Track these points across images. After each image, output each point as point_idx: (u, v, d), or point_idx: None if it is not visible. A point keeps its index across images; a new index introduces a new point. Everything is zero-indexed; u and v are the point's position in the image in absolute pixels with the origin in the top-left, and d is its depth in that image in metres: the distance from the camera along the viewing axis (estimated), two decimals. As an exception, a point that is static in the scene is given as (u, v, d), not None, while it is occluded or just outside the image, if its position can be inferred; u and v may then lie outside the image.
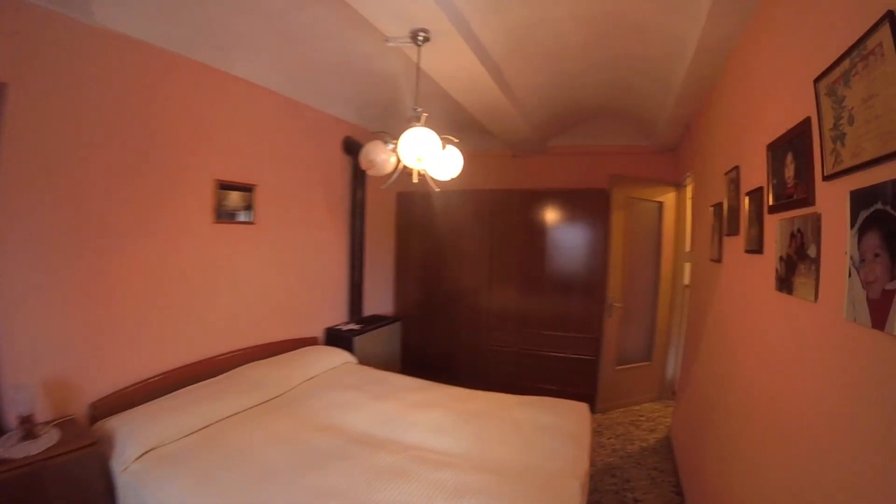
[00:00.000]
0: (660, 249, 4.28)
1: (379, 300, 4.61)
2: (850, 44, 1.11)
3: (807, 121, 1.36)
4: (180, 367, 2.57)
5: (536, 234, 4.30)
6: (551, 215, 4.27)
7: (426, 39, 2.21)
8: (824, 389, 1.20)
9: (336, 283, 3.98)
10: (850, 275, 1.12)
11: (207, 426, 2.22)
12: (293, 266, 3.43)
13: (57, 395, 2.01)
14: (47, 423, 1.89)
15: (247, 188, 2.98)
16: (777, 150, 1.62)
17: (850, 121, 1.16)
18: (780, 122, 1.58)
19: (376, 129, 2.48)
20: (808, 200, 1.37)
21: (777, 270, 1.58)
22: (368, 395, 2.70)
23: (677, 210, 4.29)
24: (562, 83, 3.40)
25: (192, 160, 2.62)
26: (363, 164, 2.32)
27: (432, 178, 2.36)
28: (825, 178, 1.25)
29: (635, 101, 3.64)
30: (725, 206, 2.34)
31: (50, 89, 1.95)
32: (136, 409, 2.20)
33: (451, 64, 2.55)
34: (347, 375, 3.05)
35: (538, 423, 2.37)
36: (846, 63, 1.15)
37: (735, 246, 2.14)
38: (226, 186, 2.83)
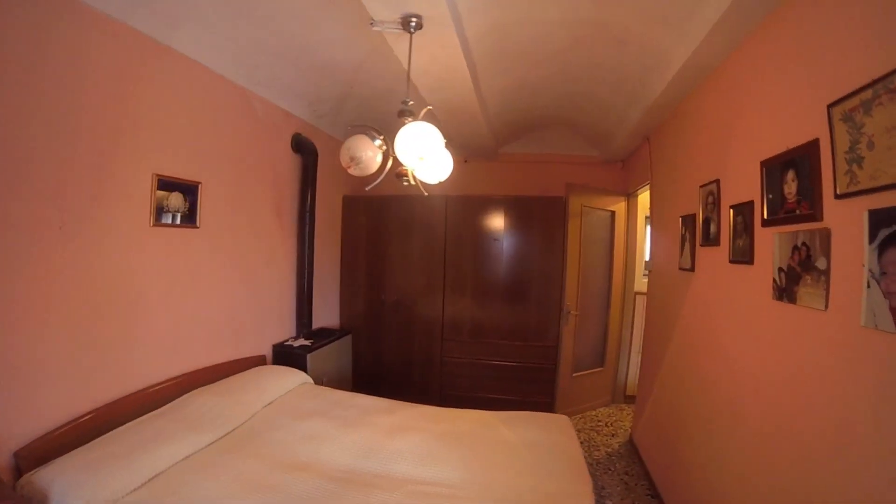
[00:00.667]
0: (612, 257, 4.59)
1: (325, 312, 4.38)
2: (873, 77, 1.29)
3: (815, 142, 1.56)
4: (117, 400, 2.22)
5: (491, 241, 4.37)
6: (506, 222, 4.36)
7: (419, 26, 2.12)
8: (835, 388, 1.40)
9: (283, 295, 3.73)
10: (868, 286, 1.32)
11: (160, 474, 1.92)
12: (239, 276, 3.16)
13: None
14: None
15: (190, 186, 2.67)
16: (774, 166, 1.81)
17: (870, 146, 1.34)
18: (778, 141, 1.76)
19: (356, 124, 2.33)
20: (815, 216, 1.56)
21: (775, 280, 1.78)
22: (337, 423, 2.54)
23: (628, 219, 4.66)
24: (527, 88, 3.50)
25: (127, 149, 2.27)
26: (344, 162, 2.17)
27: (421, 182, 2.26)
28: (837, 197, 1.44)
29: (595, 111, 3.86)
30: (700, 218, 2.56)
31: None
32: (70, 455, 1.87)
33: (432, 57, 2.47)
34: (307, 399, 2.87)
35: (526, 441, 2.36)
36: (868, 93, 1.33)
37: (714, 256, 2.37)
38: (167, 183, 2.51)
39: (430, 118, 2.07)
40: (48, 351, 1.94)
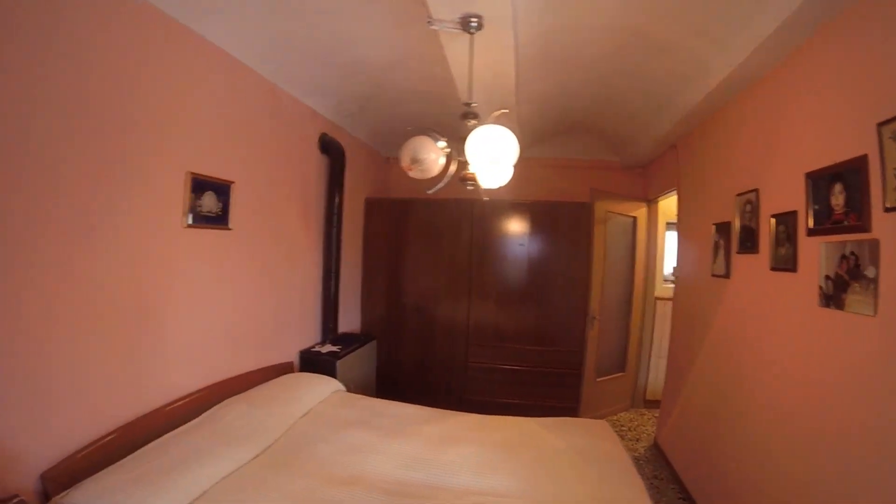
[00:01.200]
0: (633, 263, 4.66)
1: (347, 316, 4.31)
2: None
3: (863, 157, 1.67)
4: (146, 415, 2.09)
5: (516, 245, 4.37)
6: (530, 226, 4.37)
7: (479, 27, 2.09)
8: (884, 388, 1.50)
9: (310, 299, 3.66)
10: (918, 292, 1.47)
11: (203, 495, 1.79)
12: (268, 279, 3.07)
13: None
14: None
15: (223, 186, 2.57)
16: (820, 178, 1.89)
17: (921, 165, 1.50)
18: (823, 153, 1.87)
19: (410, 127, 2.36)
20: (864, 227, 1.66)
21: (821, 288, 1.87)
22: (380, 433, 2.48)
23: (648, 225, 4.74)
24: (562, 94, 3.53)
25: (159, 145, 2.15)
26: (405, 164, 2.13)
27: (481, 186, 2.21)
28: (886, 210, 1.58)
29: (622, 118, 3.96)
30: (737, 225, 2.68)
31: None
32: (102, 476, 1.72)
33: (481, 59, 2.40)
34: (343, 408, 2.82)
35: (576, 448, 2.35)
36: (921, 115, 1.49)
37: (753, 263, 2.46)
38: (200, 182, 2.40)
39: (502, 121, 1.99)
40: (73, 364, 1.79)
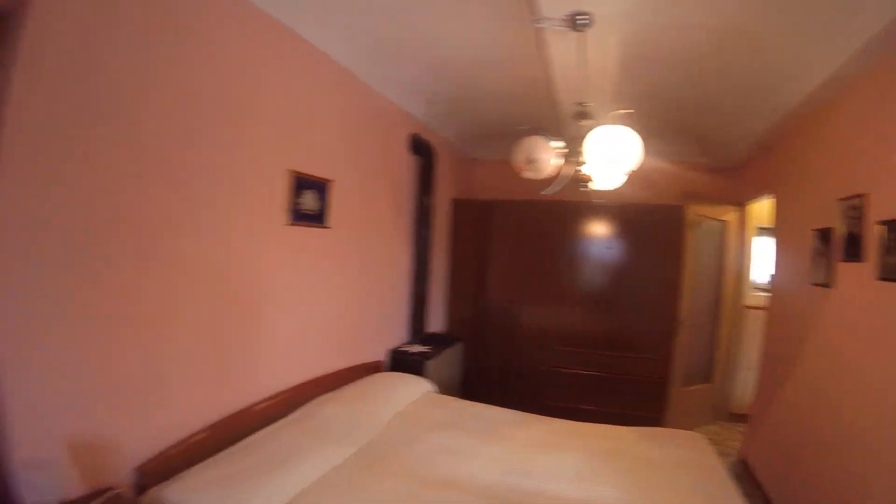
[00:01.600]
0: (722, 269, 4.41)
1: (433, 317, 4.30)
2: None
3: None
4: (241, 410, 2.11)
5: (602, 248, 4.24)
6: (617, 229, 4.22)
7: (588, 24, 2.03)
8: None
9: (400, 299, 3.68)
10: None
11: (301, 493, 1.78)
12: (362, 278, 3.11)
13: (89, 462, 1.49)
14: (82, 499, 1.38)
15: (322, 184, 2.62)
16: None
17: None
18: None
19: (524, 127, 2.23)
20: None
21: None
22: (473, 435, 2.44)
23: (739, 230, 4.48)
24: (654, 94, 3.39)
25: (262, 143, 2.19)
26: (520, 164, 2.12)
27: (594, 187, 2.19)
28: None
29: (715, 118, 3.80)
30: (840, 232, 2.53)
31: (72, 23, 1.40)
32: (200, 470, 1.74)
33: (583, 57, 2.32)
34: (435, 408, 2.81)
35: (673, 460, 2.28)
36: None
37: (858, 272, 2.31)
38: (302, 180, 2.44)
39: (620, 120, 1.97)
40: (173, 360, 1.81)
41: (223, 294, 2.05)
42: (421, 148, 3.78)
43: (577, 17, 2.02)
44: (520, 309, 4.48)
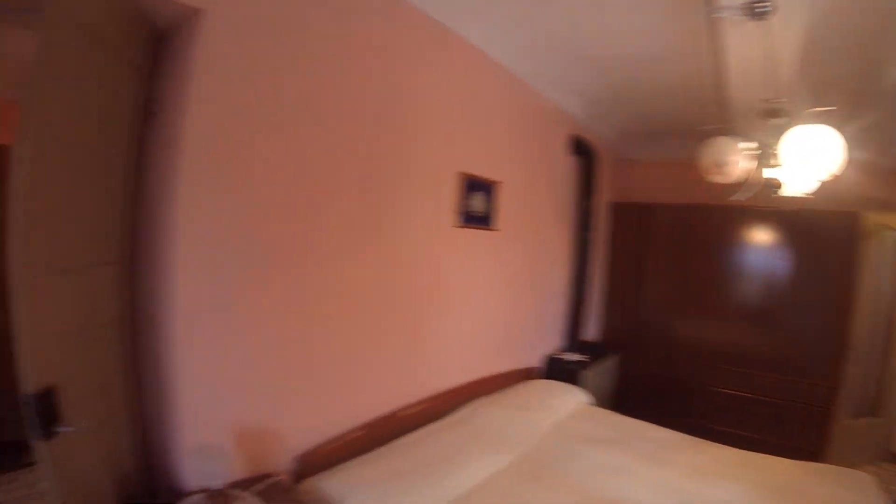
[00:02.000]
0: None
1: (587, 325, 4.16)
2: None
3: None
4: (402, 408, 2.14)
5: (765, 259, 3.78)
6: (784, 237, 3.71)
7: (769, 11, 1.82)
8: None
9: (558, 304, 3.59)
10: None
11: (459, 498, 1.76)
12: (525, 282, 3.05)
13: (253, 449, 1.55)
14: (244, 483, 1.44)
15: (489, 186, 2.61)
16: None
17: None
18: None
19: (708, 127, 2.07)
20: None
21: None
22: (635, 456, 2.29)
23: None
24: (827, 87, 2.94)
25: (430, 145, 2.20)
26: (708, 167, 1.97)
27: (785, 192, 1.94)
28: None
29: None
30: None
31: (251, 24, 1.46)
32: (359, 465, 1.77)
33: (761, 48, 2.08)
34: (593, 422, 2.67)
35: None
36: None
37: None
38: (471, 182, 2.45)
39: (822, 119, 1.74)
40: (337, 355, 1.85)
41: (395, 295, 2.09)
42: (581, 149, 3.60)
43: (757, 5, 1.83)
44: (675, 320, 4.12)
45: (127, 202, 1.50)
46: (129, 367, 1.51)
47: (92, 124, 1.30)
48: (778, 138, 1.79)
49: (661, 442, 2.53)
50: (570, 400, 2.86)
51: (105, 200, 1.41)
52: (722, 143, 1.97)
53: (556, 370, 3.31)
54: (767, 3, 1.81)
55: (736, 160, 1.96)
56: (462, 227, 2.42)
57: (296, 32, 1.60)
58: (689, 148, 2.97)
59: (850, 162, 4.37)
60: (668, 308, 4.14)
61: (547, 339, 3.48)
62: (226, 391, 1.51)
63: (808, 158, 1.69)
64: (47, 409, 1.11)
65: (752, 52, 2.14)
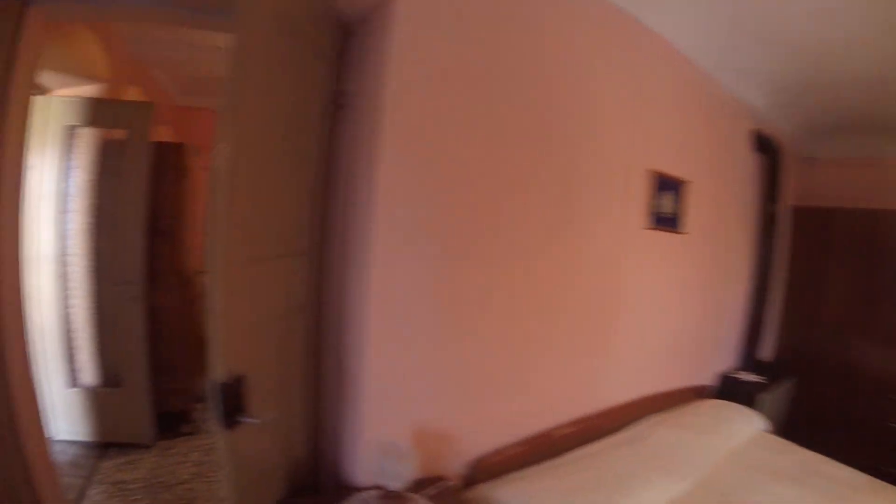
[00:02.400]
0: None
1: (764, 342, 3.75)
2: None
3: None
4: (576, 422, 2.05)
5: None
6: None
7: None
8: None
9: (734, 318, 3.29)
10: None
11: None
12: (703, 292, 2.81)
13: (427, 449, 1.49)
14: (416, 484, 1.39)
15: (677, 185, 2.40)
16: None
17: None
18: None
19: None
20: None
21: None
22: (822, 497, 2.02)
23: None
24: None
25: (618, 139, 2.05)
26: None
27: None
28: None
29: None
30: None
31: (442, 13, 1.44)
32: (530, 479, 1.69)
33: None
34: (771, 452, 2.43)
35: None
36: None
37: None
38: (662, 181, 2.28)
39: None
40: (517, 362, 1.79)
41: (580, 302, 1.99)
42: (764, 145, 3.22)
43: None
44: (854, 345, 3.62)
45: (316, 194, 1.51)
46: (311, 356, 1.54)
47: (285, 117, 1.30)
48: None
49: (847, 483, 2.27)
50: (748, 425, 2.62)
51: (297, 192, 1.42)
52: None
53: (731, 391, 3.01)
54: None
55: None
56: (652, 228, 2.25)
57: (484, 22, 1.55)
58: (882, 145, 2.56)
59: None
60: (847, 330, 3.64)
61: (721, 356, 3.19)
62: (409, 388, 1.49)
63: None
64: (234, 399, 1.11)
65: None
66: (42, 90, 2.71)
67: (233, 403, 1.10)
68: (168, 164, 2.86)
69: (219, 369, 1.08)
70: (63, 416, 2.62)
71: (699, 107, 2.66)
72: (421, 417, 1.54)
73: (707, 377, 3.02)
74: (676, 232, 2.41)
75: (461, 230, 1.55)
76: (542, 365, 1.91)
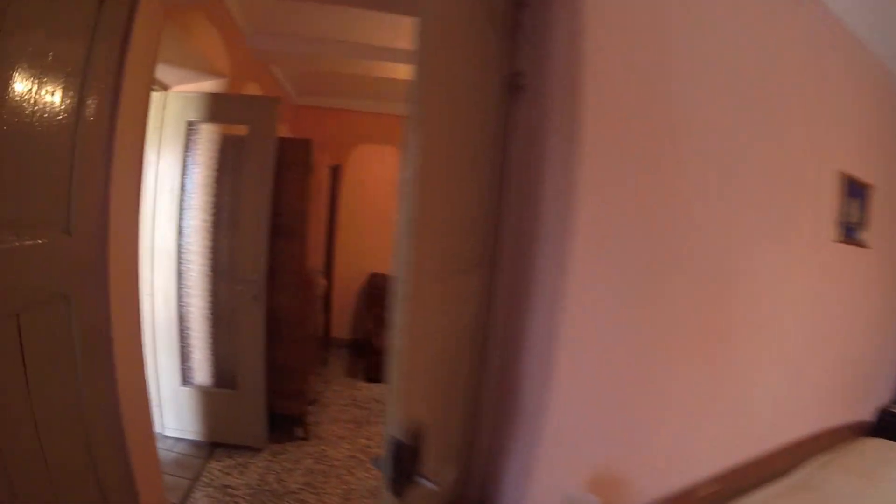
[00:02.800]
0: None
1: None
2: None
3: None
4: (745, 466, 1.79)
5: None
6: None
7: None
8: None
9: (890, 344, 2.87)
10: None
11: None
12: (873, 313, 2.49)
13: (604, 495, 1.31)
14: None
15: (861, 189, 2.04)
16: None
17: None
18: None
19: None
20: None
21: None
22: None
23: None
24: None
25: (799, 137, 1.72)
26: None
27: None
28: None
29: None
30: None
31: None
32: None
33: None
34: None
35: None
36: None
37: None
38: (850, 186, 1.94)
39: None
40: (689, 394, 1.55)
41: (763, 327, 1.71)
42: None
43: None
44: None
45: (493, 197, 1.27)
46: (472, 390, 1.31)
47: (466, 104, 1.05)
48: None
49: None
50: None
51: (476, 194, 1.18)
52: None
53: (885, 426, 2.68)
54: None
55: None
56: (842, 241, 1.90)
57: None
58: None
59: None
60: None
61: (876, 387, 2.81)
62: (590, 426, 1.28)
63: None
64: (411, 457, 0.85)
65: None
66: (162, 86, 2.69)
67: (410, 462, 0.86)
68: (291, 161, 2.79)
69: (397, 419, 0.83)
70: (173, 413, 2.57)
71: (875, 97, 2.32)
72: (600, 458, 1.34)
73: (863, 412, 2.67)
74: (860, 245, 2.05)
75: (667, 245, 1.30)
76: (707, 401, 1.67)
